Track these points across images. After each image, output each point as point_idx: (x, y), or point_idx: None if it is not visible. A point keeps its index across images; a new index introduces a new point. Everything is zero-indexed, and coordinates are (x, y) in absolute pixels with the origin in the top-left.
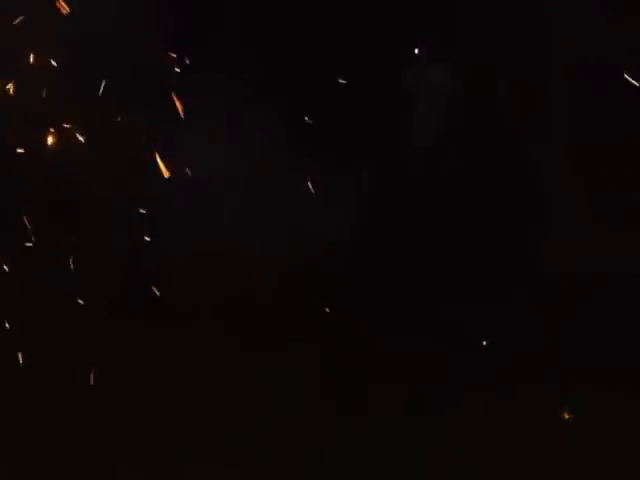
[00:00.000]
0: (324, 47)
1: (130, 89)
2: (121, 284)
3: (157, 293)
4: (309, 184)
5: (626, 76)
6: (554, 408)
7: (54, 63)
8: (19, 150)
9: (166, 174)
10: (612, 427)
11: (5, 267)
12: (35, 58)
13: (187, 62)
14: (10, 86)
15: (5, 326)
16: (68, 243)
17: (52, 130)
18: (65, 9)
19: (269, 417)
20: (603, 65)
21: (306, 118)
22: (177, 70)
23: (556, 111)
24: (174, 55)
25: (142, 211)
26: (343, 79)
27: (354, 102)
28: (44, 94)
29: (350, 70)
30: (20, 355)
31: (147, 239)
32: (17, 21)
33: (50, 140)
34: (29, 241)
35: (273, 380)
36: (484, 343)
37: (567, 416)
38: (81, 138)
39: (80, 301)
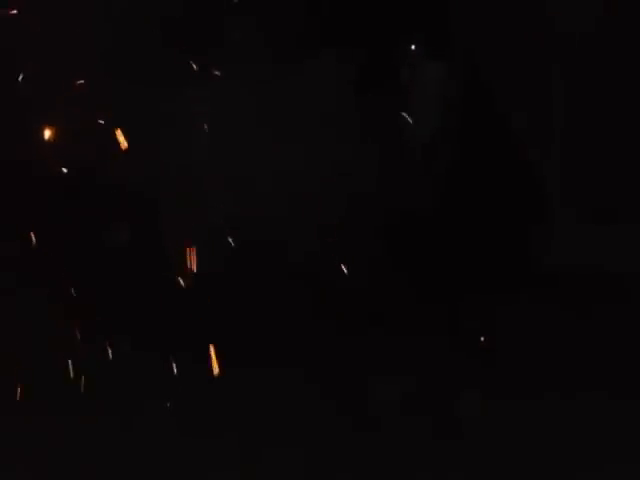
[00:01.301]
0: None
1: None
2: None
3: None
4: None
5: None
6: (554, 408)
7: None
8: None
9: None
10: (614, 429)
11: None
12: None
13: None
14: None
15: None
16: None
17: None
18: (124, 144)
19: (267, 417)
20: (602, 64)
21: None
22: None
23: (556, 109)
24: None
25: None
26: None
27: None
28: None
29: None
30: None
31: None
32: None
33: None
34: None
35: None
36: (482, 339)
37: None
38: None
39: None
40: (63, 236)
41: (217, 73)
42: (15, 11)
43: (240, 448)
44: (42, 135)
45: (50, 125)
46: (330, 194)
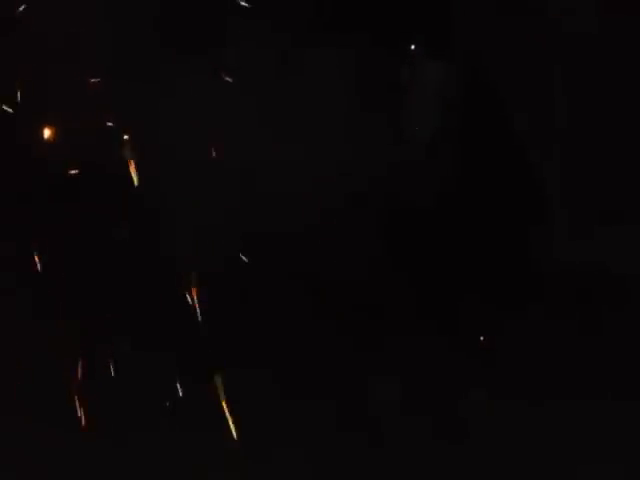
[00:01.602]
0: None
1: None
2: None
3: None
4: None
5: None
6: (555, 409)
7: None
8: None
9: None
10: (614, 429)
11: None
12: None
13: None
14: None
15: None
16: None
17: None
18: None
19: (266, 418)
20: (602, 64)
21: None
22: None
23: (557, 110)
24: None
25: None
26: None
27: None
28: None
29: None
30: None
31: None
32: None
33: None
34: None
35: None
36: (481, 338)
37: None
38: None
39: None
40: (63, 244)
41: (217, 71)
42: (21, 9)
43: (240, 448)
44: (42, 134)
45: (49, 124)
46: (329, 193)
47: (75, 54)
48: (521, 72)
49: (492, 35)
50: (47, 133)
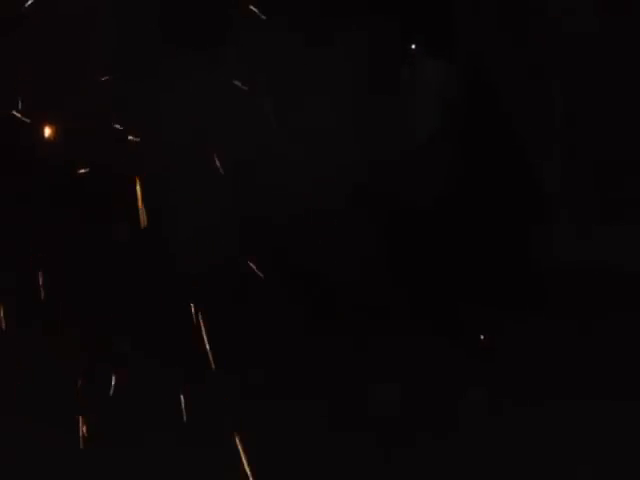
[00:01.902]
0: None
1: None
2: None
3: None
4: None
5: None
6: (556, 410)
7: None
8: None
9: None
10: (614, 429)
11: None
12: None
13: None
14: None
15: None
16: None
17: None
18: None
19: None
20: (602, 64)
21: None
22: None
23: (557, 109)
24: None
25: None
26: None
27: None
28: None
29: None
30: None
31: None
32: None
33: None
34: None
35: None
36: (482, 338)
37: None
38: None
39: None
40: (64, 245)
41: (218, 69)
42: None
43: (238, 452)
44: (42, 134)
45: (49, 124)
46: (330, 194)
47: (76, 54)
48: (521, 72)
49: (492, 35)
50: (47, 133)
